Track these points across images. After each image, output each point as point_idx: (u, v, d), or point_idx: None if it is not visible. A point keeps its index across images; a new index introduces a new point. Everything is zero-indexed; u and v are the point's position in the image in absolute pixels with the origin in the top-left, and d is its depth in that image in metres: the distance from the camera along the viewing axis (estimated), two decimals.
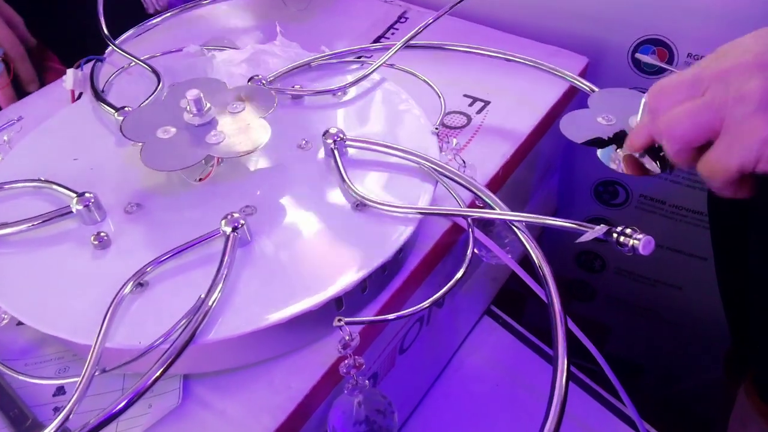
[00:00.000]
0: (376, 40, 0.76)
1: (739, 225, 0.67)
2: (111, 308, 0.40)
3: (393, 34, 0.78)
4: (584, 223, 0.41)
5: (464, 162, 0.54)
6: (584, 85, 0.57)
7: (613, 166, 0.48)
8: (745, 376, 0.69)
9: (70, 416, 0.36)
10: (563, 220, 0.42)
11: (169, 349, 0.38)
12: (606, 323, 1.04)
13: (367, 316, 0.46)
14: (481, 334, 0.71)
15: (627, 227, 0.39)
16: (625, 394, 0.52)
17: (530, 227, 0.46)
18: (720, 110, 0.40)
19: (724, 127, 0.40)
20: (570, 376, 0.37)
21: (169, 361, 0.37)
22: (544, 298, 0.42)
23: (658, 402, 1.01)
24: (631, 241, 0.38)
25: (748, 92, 0.38)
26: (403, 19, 0.80)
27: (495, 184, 0.60)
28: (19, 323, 0.48)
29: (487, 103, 0.67)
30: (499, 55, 0.62)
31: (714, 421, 0.89)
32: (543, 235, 0.87)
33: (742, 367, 0.74)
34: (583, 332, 0.47)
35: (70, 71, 0.61)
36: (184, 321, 0.40)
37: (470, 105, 0.66)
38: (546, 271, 0.42)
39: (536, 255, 0.43)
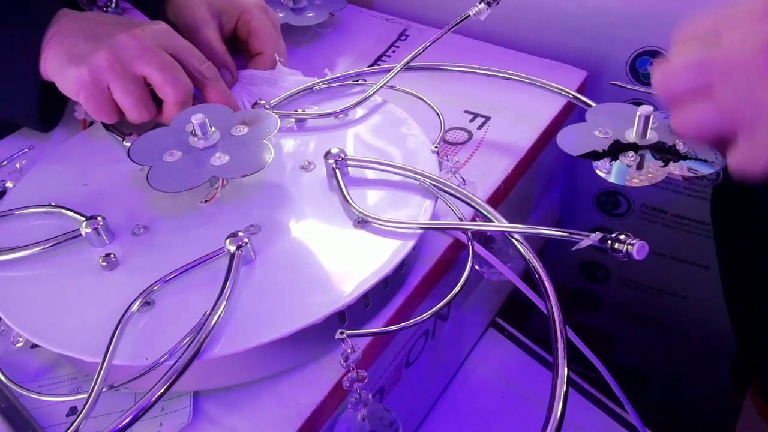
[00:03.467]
0: (378, 59, 0.78)
1: (743, 233, 0.67)
2: (119, 326, 0.41)
3: (394, 51, 0.79)
4: (578, 232, 0.42)
5: (464, 180, 0.55)
6: (580, 99, 0.58)
7: (604, 176, 0.49)
8: (751, 384, 0.69)
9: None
10: (558, 229, 0.43)
11: (174, 365, 0.39)
12: (611, 333, 1.05)
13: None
14: (487, 347, 0.72)
15: (621, 233, 0.40)
16: (627, 403, 0.52)
17: (531, 240, 0.47)
18: (732, 115, 0.38)
19: (741, 133, 0.38)
20: (569, 389, 0.38)
21: (174, 377, 0.38)
22: (545, 310, 0.43)
23: (664, 410, 1.01)
24: (625, 247, 0.39)
25: (762, 101, 0.36)
26: (403, 37, 0.81)
27: (497, 198, 0.60)
28: (33, 346, 0.49)
29: (487, 118, 0.68)
30: (498, 74, 0.63)
31: (720, 429, 0.89)
32: (545, 247, 0.88)
33: (748, 375, 0.75)
34: (588, 342, 0.47)
35: None
36: (189, 337, 0.41)
37: (471, 121, 0.67)
38: (546, 283, 0.43)
39: (536, 267, 0.44)
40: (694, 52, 0.40)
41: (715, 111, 0.39)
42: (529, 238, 0.47)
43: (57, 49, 0.54)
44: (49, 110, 0.60)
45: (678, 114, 0.41)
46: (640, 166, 0.49)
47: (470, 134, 0.66)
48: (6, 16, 0.55)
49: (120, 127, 0.59)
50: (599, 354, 0.49)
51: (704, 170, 0.47)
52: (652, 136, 0.49)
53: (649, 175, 0.48)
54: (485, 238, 0.53)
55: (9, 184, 0.57)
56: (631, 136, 0.49)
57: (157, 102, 0.56)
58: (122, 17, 0.57)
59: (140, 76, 0.54)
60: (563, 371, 0.38)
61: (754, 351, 0.73)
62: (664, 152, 0.48)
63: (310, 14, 0.81)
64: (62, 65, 0.54)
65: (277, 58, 0.65)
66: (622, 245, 0.39)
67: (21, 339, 0.49)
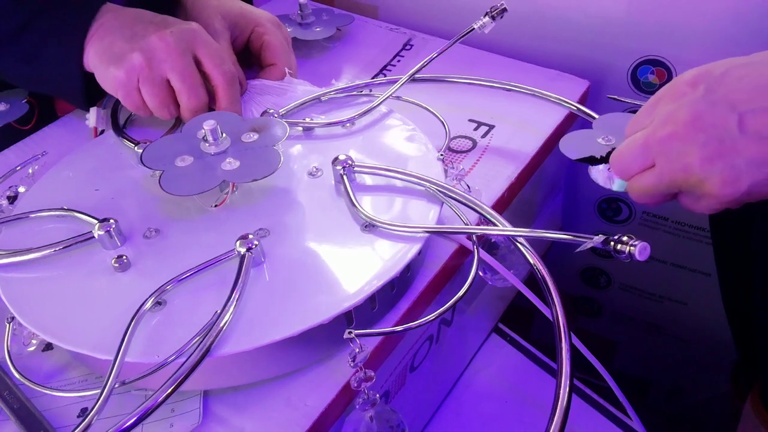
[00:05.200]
0: (384, 68, 0.79)
1: (741, 240, 0.68)
2: (132, 323, 0.42)
3: (399, 61, 0.80)
4: (582, 234, 0.43)
5: (469, 187, 0.56)
6: (581, 110, 0.59)
7: (601, 183, 0.51)
8: (751, 390, 0.70)
9: (89, 428, 0.38)
10: (562, 232, 0.44)
11: (185, 362, 0.40)
12: (613, 339, 1.05)
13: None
14: (490, 352, 0.73)
15: (623, 235, 0.41)
16: (630, 408, 0.53)
17: (535, 245, 0.48)
18: (673, 180, 0.43)
19: (683, 189, 0.44)
20: (572, 392, 0.39)
21: (184, 375, 0.39)
22: (549, 316, 0.44)
23: (665, 416, 1.02)
24: (628, 248, 0.40)
25: (692, 164, 0.41)
26: (408, 46, 0.82)
27: (501, 204, 0.61)
28: (45, 349, 0.50)
29: (491, 127, 0.68)
30: (501, 86, 0.64)
31: None
32: (548, 253, 0.89)
33: (748, 381, 0.75)
34: (590, 348, 0.48)
35: (93, 109, 0.63)
36: (199, 336, 0.42)
37: (475, 129, 0.68)
38: (551, 286, 0.44)
39: (541, 270, 0.45)
40: (640, 136, 0.45)
41: (657, 179, 0.44)
42: (532, 244, 0.48)
43: (97, 47, 0.57)
44: (93, 94, 0.63)
45: (631, 186, 0.46)
46: None
47: (474, 142, 0.67)
48: (53, 11, 0.59)
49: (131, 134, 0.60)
50: (601, 360, 0.50)
51: None
52: None
53: None
54: (489, 245, 0.53)
55: (22, 189, 0.58)
56: None
57: None
58: (160, 15, 0.59)
59: (165, 78, 0.57)
60: (567, 373, 0.39)
61: (754, 357, 0.73)
62: None
63: (318, 29, 0.82)
64: (102, 64, 0.57)
65: (287, 71, 0.66)
66: (624, 246, 0.40)
67: (33, 342, 0.49)
